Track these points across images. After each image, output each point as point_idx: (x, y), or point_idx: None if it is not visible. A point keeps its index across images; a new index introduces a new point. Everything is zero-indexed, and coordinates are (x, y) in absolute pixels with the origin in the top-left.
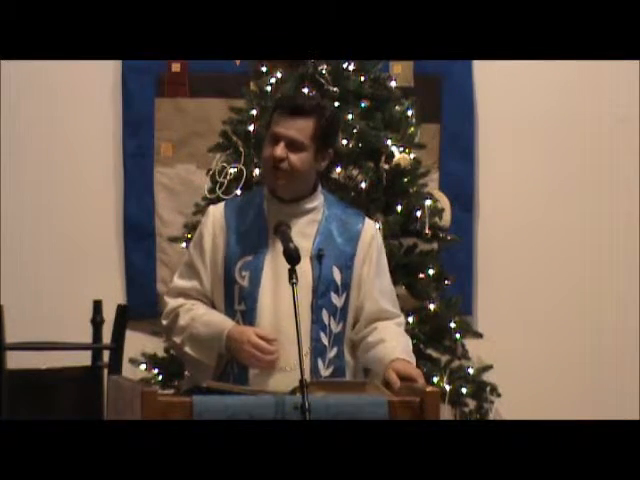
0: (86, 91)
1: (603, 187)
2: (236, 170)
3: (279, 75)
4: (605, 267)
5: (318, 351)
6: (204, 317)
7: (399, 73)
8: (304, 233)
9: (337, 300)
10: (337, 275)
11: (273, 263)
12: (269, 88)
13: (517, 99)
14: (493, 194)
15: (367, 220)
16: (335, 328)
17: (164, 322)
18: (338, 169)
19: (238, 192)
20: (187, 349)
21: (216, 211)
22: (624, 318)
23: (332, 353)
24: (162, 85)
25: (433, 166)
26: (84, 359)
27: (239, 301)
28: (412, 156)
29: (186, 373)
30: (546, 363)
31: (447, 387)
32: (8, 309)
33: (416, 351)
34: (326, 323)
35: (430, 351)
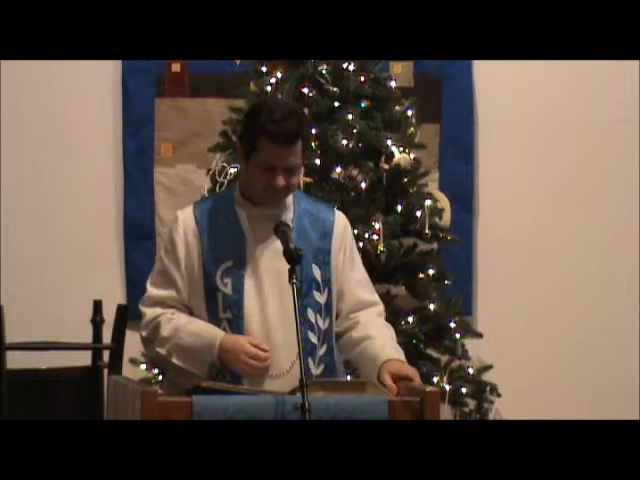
0: (86, 91)
1: (603, 187)
2: (236, 170)
3: (279, 75)
4: (605, 267)
5: (308, 351)
6: (189, 327)
7: (399, 73)
8: None
9: (320, 297)
10: (317, 273)
11: (254, 268)
12: (269, 88)
13: (517, 99)
14: (493, 194)
15: (337, 212)
16: (323, 325)
17: (144, 333)
18: (338, 169)
19: None
20: (175, 360)
21: (186, 217)
22: (625, 318)
23: (322, 350)
24: (162, 85)
25: (433, 166)
26: (84, 359)
27: (224, 309)
28: (412, 156)
29: (167, 377)
30: (546, 363)
31: (447, 387)
32: (8, 309)
33: (416, 351)
34: (313, 322)
35: (430, 351)
